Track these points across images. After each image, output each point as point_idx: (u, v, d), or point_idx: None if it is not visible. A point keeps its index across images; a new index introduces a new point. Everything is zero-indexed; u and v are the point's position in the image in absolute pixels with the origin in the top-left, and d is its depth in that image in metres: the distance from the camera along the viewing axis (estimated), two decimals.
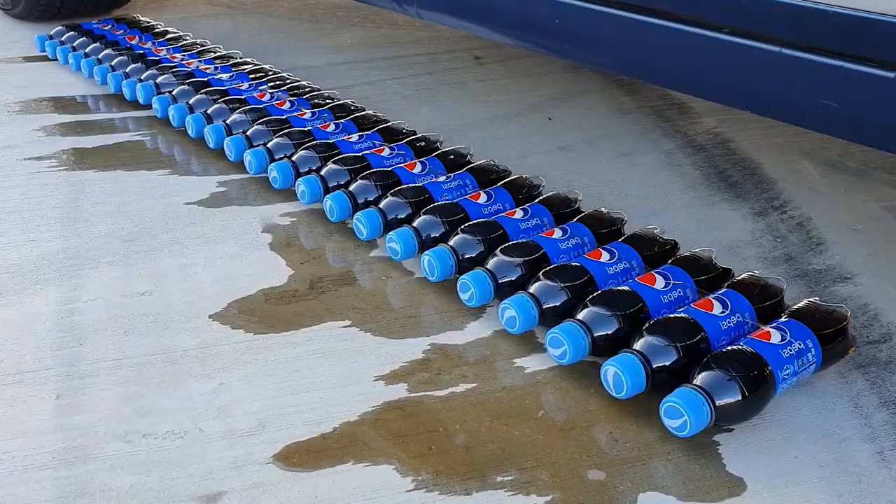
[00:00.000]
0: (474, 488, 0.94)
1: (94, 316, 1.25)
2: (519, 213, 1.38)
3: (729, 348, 1.05)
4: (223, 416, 1.05)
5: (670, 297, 1.16)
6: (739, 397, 0.99)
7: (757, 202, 1.63)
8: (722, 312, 1.11)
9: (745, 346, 1.04)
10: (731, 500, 0.93)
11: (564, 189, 1.51)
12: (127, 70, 2.20)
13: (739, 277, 1.22)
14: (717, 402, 0.98)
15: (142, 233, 1.50)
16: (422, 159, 1.61)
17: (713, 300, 1.13)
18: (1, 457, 0.98)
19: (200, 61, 2.27)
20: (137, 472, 0.96)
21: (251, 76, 2.15)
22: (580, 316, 1.12)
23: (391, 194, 1.45)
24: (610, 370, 1.05)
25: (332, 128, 1.77)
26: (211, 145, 1.81)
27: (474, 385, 1.11)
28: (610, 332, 1.11)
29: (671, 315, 1.11)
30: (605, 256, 1.24)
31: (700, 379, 1.00)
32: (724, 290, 1.17)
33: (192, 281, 1.35)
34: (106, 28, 2.63)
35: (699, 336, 1.07)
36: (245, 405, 1.07)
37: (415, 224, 1.37)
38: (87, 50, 2.40)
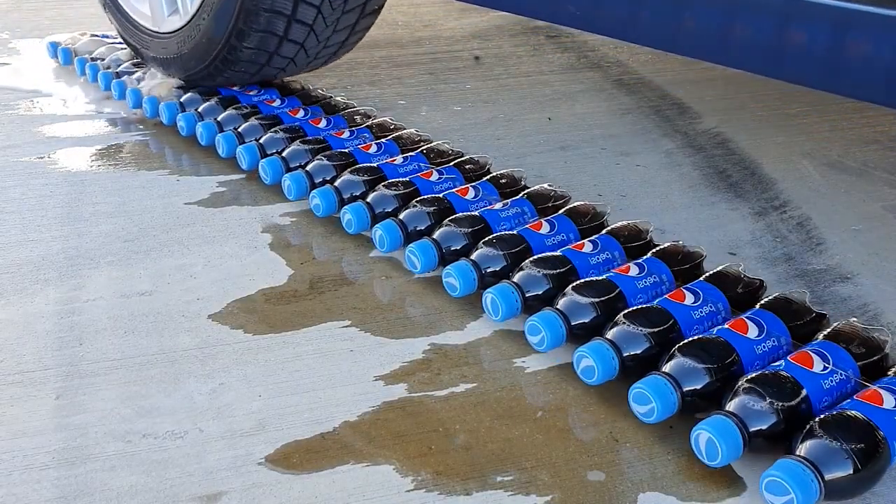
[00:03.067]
0: (474, 488, 0.94)
1: (94, 316, 1.25)
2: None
3: (836, 413, 0.93)
4: (223, 416, 1.05)
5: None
6: (851, 471, 0.88)
7: (757, 202, 1.63)
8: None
9: (854, 412, 0.93)
10: (731, 500, 0.93)
11: (562, 188, 1.51)
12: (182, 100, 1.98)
13: (837, 326, 1.09)
14: (827, 477, 0.87)
15: (142, 233, 1.50)
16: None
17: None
18: (1, 457, 0.98)
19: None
20: (137, 472, 0.96)
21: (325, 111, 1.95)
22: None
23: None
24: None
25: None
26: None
27: (474, 385, 1.11)
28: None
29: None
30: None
31: (805, 449, 0.89)
32: (821, 341, 1.06)
33: (192, 281, 1.35)
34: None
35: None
36: (245, 405, 1.07)
37: (473, 257, 1.28)
38: (117, 69, 2.20)
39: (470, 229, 1.34)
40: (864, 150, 1.86)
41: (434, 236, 1.34)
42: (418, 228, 1.39)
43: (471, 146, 1.87)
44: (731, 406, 0.96)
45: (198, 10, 1.87)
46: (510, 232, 1.32)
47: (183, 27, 1.92)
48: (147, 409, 1.06)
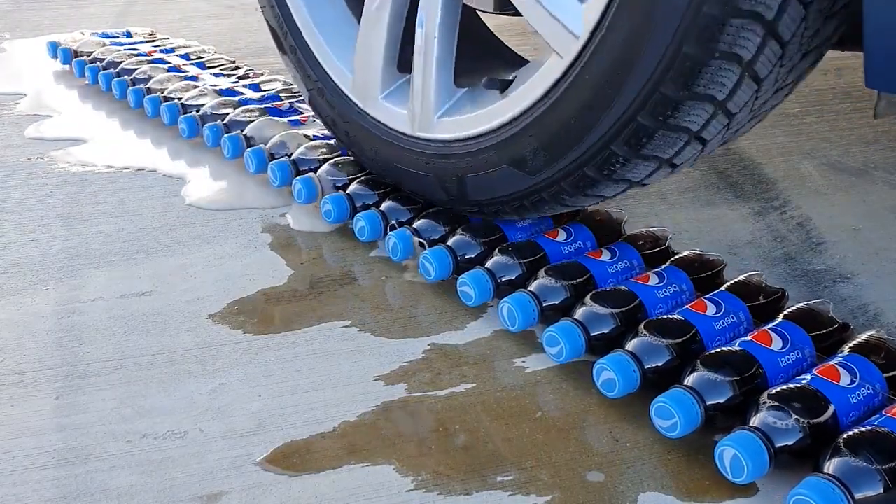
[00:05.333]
0: (474, 488, 0.94)
1: (94, 316, 1.25)
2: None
3: (866, 429, 0.89)
4: (223, 416, 1.05)
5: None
6: (882, 490, 0.84)
7: (757, 202, 1.63)
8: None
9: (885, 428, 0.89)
10: (731, 500, 0.93)
11: None
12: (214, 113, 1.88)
13: (863, 338, 1.05)
14: (857, 496, 0.84)
15: (142, 233, 1.50)
16: None
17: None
18: (1, 457, 0.98)
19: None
20: (137, 472, 0.96)
21: None
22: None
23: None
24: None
25: None
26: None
27: (474, 385, 1.11)
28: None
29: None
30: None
31: (834, 466, 0.86)
32: (847, 354, 1.02)
33: (192, 281, 1.35)
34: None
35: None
36: (245, 405, 1.07)
37: (488, 265, 1.26)
38: (117, 70, 2.18)
39: (486, 238, 1.33)
40: (864, 150, 1.86)
41: (449, 244, 1.32)
42: (432, 237, 1.37)
43: None
44: (755, 421, 0.93)
45: (552, 90, 1.09)
46: (526, 240, 1.31)
47: (497, 129, 1.18)
48: (147, 409, 1.06)
